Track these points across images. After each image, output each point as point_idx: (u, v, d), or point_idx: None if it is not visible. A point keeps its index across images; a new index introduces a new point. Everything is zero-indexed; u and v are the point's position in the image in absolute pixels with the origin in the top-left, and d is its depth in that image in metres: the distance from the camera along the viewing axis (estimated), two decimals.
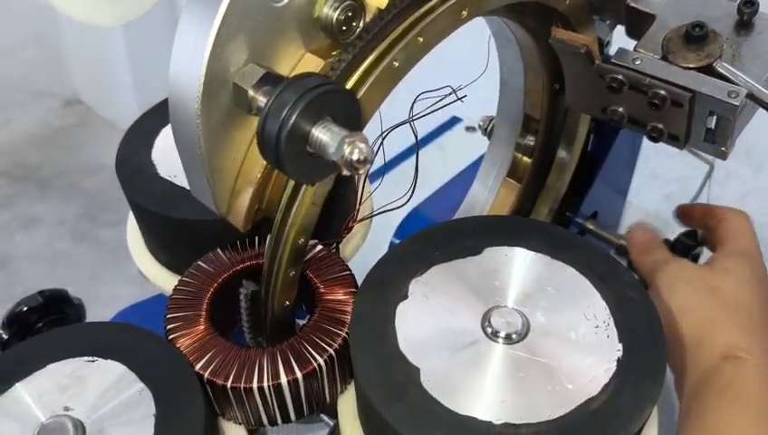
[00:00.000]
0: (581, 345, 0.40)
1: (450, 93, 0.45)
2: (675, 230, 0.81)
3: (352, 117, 0.36)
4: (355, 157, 0.33)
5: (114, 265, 1.68)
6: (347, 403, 0.45)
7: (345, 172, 0.34)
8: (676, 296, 0.50)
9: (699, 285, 0.51)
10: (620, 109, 0.49)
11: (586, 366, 0.39)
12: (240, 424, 0.44)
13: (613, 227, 0.72)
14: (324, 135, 0.34)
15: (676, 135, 0.48)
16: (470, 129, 1.00)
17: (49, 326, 0.58)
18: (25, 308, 0.59)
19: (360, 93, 0.39)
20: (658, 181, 1.12)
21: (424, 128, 0.93)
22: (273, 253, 0.43)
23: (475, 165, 0.72)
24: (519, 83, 0.58)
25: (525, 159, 0.63)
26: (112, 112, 2.07)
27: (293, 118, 0.33)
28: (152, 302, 0.63)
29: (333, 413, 0.46)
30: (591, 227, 0.68)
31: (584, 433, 0.36)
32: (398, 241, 0.74)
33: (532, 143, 0.61)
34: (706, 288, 0.50)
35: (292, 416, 0.44)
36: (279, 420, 0.44)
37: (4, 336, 0.57)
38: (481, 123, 0.67)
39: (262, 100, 0.35)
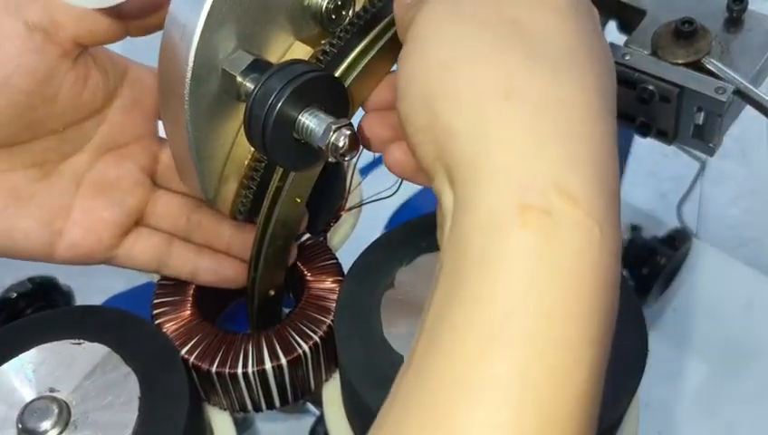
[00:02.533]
0: None
1: None
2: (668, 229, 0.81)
3: (340, 104, 0.36)
4: (340, 144, 0.33)
5: None
6: (332, 391, 0.45)
7: (331, 159, 0.34)
8: (435, 46, 0.29)
9: (477, 21, 0.29)
10: None
11: None
12: (225, 410, 0.44)
13: None
14: (311, 121, 0.34)
15: (665, 130, 0.49)
16: None
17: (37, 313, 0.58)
18: (14, 294, 0.60)
19: (349, 81, 0.39)
20: (654, 180, 1.13)
21: None
22: (259, 242, 0.43)
23: None
24: None
25: None
26: None
27: (280, 104, 0.34)
28: (140, 289, 0.63)
29: (320, 401, 0.46)
30: None
31: None
32: None
33: None
34: (496, 22, 0.29)
35: (277, 402, 0.44)
36: (264, 407, 0.44)
37: None
38: None
39: (249, 86, 0.35)
